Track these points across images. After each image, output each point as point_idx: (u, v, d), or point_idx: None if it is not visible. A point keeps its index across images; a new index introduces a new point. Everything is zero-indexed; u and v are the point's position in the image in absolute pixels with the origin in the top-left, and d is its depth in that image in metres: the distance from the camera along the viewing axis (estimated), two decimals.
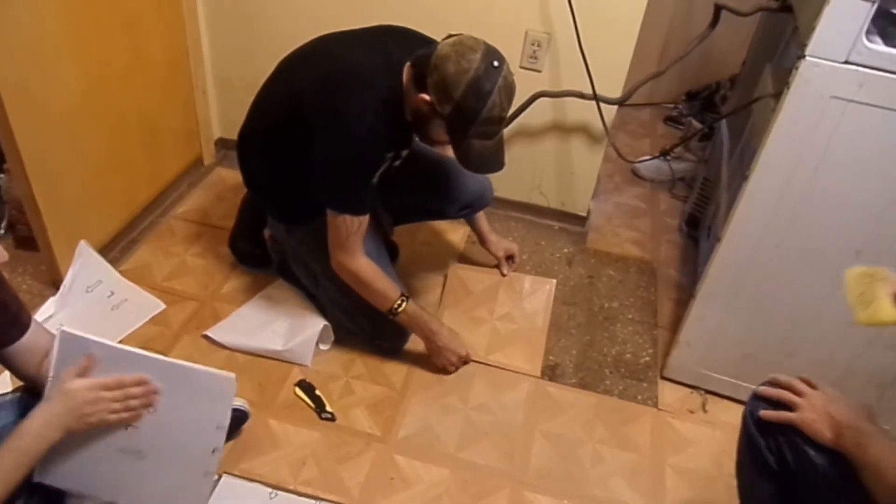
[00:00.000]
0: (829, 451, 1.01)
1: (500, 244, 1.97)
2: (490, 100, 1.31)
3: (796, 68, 1.23)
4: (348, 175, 1.43)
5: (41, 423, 0.99)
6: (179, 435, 1.13)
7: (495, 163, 1.44)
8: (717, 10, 1.71)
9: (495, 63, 1.32)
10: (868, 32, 1.20)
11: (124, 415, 1.06)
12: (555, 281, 1.99)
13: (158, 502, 1.20)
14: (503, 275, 1.98)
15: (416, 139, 1.62)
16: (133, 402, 1.06)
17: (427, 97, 1.35)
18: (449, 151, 1.74)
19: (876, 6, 1.15)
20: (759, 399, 1.12)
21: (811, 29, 1.20)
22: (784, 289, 1.49)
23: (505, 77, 1.33)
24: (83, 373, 1.03)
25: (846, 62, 1.20)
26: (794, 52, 1.34)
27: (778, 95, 1.31)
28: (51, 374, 1.03)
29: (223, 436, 1.15)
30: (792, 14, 1.49)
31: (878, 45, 1.19)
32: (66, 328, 1.04)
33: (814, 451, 1.03)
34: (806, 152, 1.30)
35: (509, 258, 1.98)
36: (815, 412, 1.04)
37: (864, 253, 1.38)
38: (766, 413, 1.08)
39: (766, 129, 1.32)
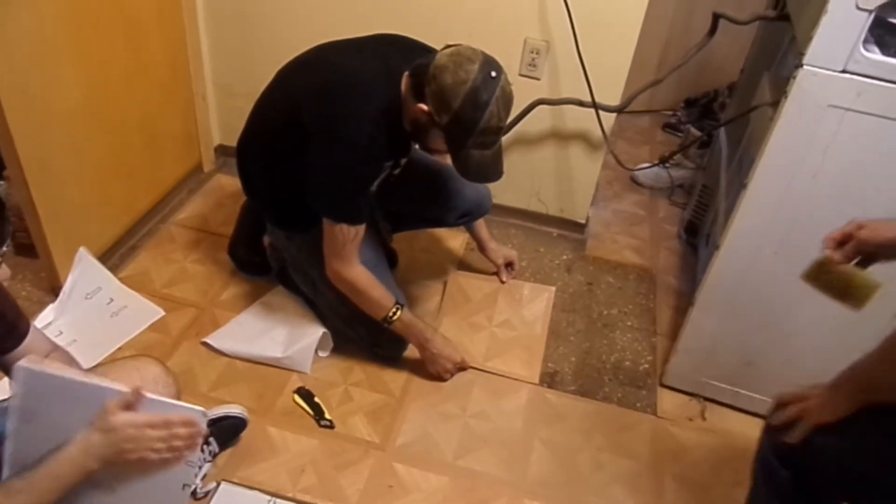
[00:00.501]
0: (836, 428, 1.01)
1: (500, 251, 1.97)
2: (488, 110, 1.32)
3: (794, 77, 1.24)
4: (346, 184, 1.43)
5: (80, 451, 0.97)
6: (149, 470, 1.10)
7: (494, 172, 1.45)
8: (716, 18, 1.72)
9: (493, 73, 1.32)
10: (865, 42, 1.20)
11: (167, 455, 1.03)
12: (554, 288, 1.99)
13: None
14: (502, 282, 1.98)
15: (415, 147, 1.62)
16: (177, 444, 1.03)
17: (425, 107, 1.35)
18: (448, 160, 1.75)
19: (873, 16, 1.15)
20: (774, 431, 1.09)
21: (809, 38, 1.21)
22: (783, 297, 1.49)
23: (503, 87, 1.34)
24: (129, 407, 1.01)
25: (844, 71, 1.20)
26: (791, 61, 1.35)
27: (776, 104, 1.32)
28: (8, 404, 1.00)
29: (193, 472, 1.13)
30: (790, 23, 1.50)
31: (876, 55, 1.19)
32: (22, 363, 1.00)
33: (821, 436, 1.03)
34: (804, 160, 1.30)
35: (508, 265, 1.99)
36: (820, 402, 1.04)
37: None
38: (789, 438, 1.05)
39: (765, 138, 1.32)
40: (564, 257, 2.15)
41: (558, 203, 2.18)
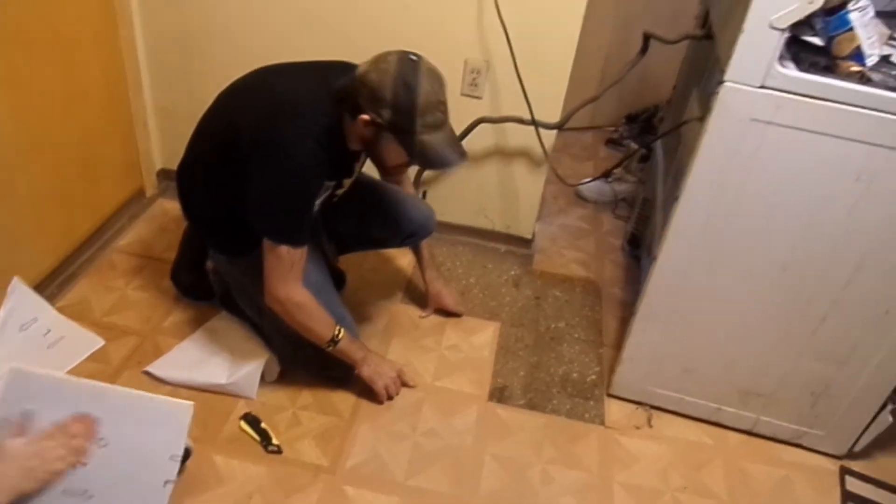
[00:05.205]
0: None
1: (442, 299, 1.94)
2: (420, 87, 1.33)
3: (716, 93, 1.29)
4: (287, 203, 1.42)
5: None
6: (129, 469, 1.07)
7: (454, 153, 1.41)
8: (646, 38, 1.78)
9: (412, 57, 1.35)
10: (781, 58, 1.26)
11: (71, 458, 1.02)
12: (499, 324, 1.97)
13: None
14: (421, 316, 1.97)
15: (361, 171, 1.63)
16: (76, 442, 1.02)
17: (366, 116, 1.36)
18: (408, 188, 1.76)
19: (786, 35, 1.21)
20: None
21: (729, 56, 1.26)
22: (718, 304, 1.54)
23: (425, 65, 1.36)
24: (19, 432, 0.99)
25: (762, 86, 1.26)
26: (716, 78, 1.40)
27: (703, 119, 1.37)
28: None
29: (176, 466, 1.12)
30: (714, 42, 1.56)
31: (791, 71, 1.25)
32: (16, 365, 1.01)
33: None
34: (730, 173, 1.35)
35: (447, 313, 1.97)
36: None
37: (789, 269, 1.44)
38: None
39: (693, 151, 1.37)
40: (512, 272, 2.18)
41: (504, 219, 2.21)
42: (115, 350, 1.73)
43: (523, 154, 2.07)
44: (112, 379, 1.65)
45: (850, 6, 1.23)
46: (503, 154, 2.09)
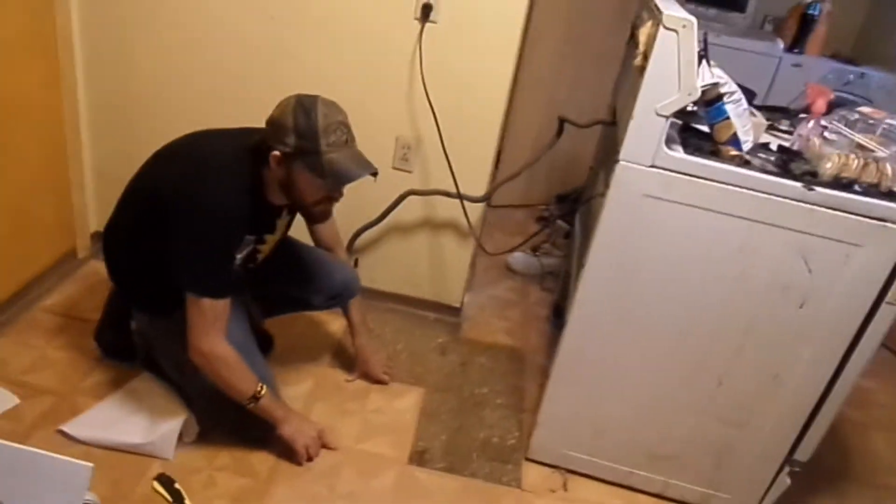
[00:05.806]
0: None
1: (369, 367, 1.98)
2: (317, 110, 1.43)
3: (614, 171, 1.42)
4: (207, 255, 1.47)
5: None
6: None
7: (364, 166, 1.49)
8: (561, 122, 1.93)
9: (308, 94, 1.47)
10: (670, 141, 1.42)
11: None
12: (424, 389, 2.02)
13: None
14: (347, 380, 2.00)
15: (283, 231, 1.69)
16: None
17: (276, 153, 1.45)
18: (341, 254, 1.82)
19: (670, 121, 1.36)
20: None
21: (624, 138, 1.40)
22: (624, 368, 1.63)
23: (322, 98, 1.47)
24: None
25: (652, 166, 1.40)
26: (614, 157, 1.54)
27: (604, 194, 1.50)
28: None
29: None
30: (617, 126, 1.72)
31: (677, 153, 1.40)
32: None
33: None
34: (628, 243, 1.47)
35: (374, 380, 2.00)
36: None
37: (686, 334, 1.54)
38: None
39: (595, 224, 1.49)
40: (440, 340, 2.24)
41: (434, 288, 2.29)
42: (30, 408, 1.70)
43: (452, 226, 2.18)
44: (24, 438, 1.62)
45: (726, 99, 1.39)
46: (433, 225, 2.19)
